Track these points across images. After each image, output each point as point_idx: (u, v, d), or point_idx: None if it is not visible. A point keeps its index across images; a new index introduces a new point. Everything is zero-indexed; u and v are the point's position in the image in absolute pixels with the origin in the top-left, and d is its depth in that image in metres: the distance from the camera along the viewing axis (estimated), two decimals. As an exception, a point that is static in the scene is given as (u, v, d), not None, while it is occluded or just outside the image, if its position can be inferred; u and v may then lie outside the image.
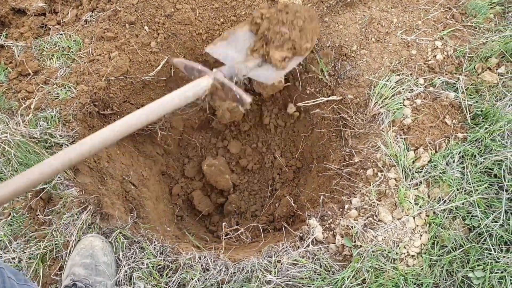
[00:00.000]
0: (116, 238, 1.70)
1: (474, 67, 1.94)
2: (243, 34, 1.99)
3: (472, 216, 1.58)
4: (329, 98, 2.05)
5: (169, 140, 2.51)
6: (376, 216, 1.63)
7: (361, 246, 1.57)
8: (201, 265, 1.64)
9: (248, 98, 1.60)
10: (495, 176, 1.64)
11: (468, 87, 1.88)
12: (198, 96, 1.56)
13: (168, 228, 2.22)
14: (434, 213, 1.62)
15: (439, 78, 1.92)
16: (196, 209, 2.54)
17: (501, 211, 1.55)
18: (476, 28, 2.10)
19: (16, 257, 1.66)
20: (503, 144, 1.69)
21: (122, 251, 1.67)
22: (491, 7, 2.13)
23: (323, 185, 2.04)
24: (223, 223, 1.93)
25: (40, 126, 1.85)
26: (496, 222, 1.54)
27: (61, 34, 2.22)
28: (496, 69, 1.91)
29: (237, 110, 2.41)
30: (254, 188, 2.53)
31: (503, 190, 1.59)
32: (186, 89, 1.52)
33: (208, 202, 2.57)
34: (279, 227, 2.18)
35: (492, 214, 1.55)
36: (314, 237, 1.65)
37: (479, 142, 1.73)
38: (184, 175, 2.59)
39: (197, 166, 2.63)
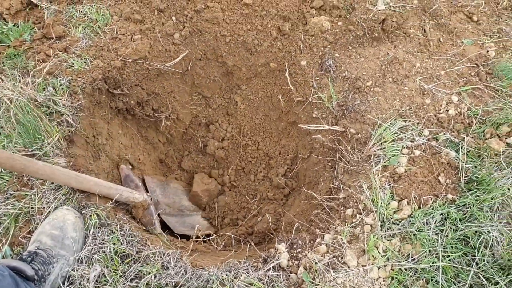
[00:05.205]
0: (91, 215, 1.74)
1: (483, 131, 1.89)
2: (175, 187, 2.50)
3: (436, 281, 1.54)
4: (332, 128, 2.04)
5: (173, 131, 2.54)
6: (342, 258, 1.62)
7: (318, 284, 1.56)
8: (162, 262, 1.66)
9: (159, 229, 2.01)
10: (472, 246, 1.60)
11: (470, 150, 1.83)
12: (127, 201, 1.94)
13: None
14: (400, 268, 1.59)
15: (444, 134, 1.88)
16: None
17: (466, 285, 1.51)
18: (498, 91, 2.04)
19: (-8, 211, 1.73)
20: (489, 216, 1.64)
21: (92, 230, 1.71)
22: (520, 74, 2.07)
23: (306, 212, 2.03)
24: (197, 225, 1.94)
25: (47, 91, 1.90)
26: (459, 294, 1.51)
27: (93, 5, 2.28)
28: (506, 138, 1.86)
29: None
30: (243, 195, 2.53)
31: (474, 263, 1.56)
32: (124, 190, 1.92)
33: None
34: (256, 242, 2.18)
35: (456, 285, 1.51)
36: (278, 263, 1.65)
37: (466, 208, 1.69)
38: (180, 166, 2.62)
39: (194, 160, 2.66)
